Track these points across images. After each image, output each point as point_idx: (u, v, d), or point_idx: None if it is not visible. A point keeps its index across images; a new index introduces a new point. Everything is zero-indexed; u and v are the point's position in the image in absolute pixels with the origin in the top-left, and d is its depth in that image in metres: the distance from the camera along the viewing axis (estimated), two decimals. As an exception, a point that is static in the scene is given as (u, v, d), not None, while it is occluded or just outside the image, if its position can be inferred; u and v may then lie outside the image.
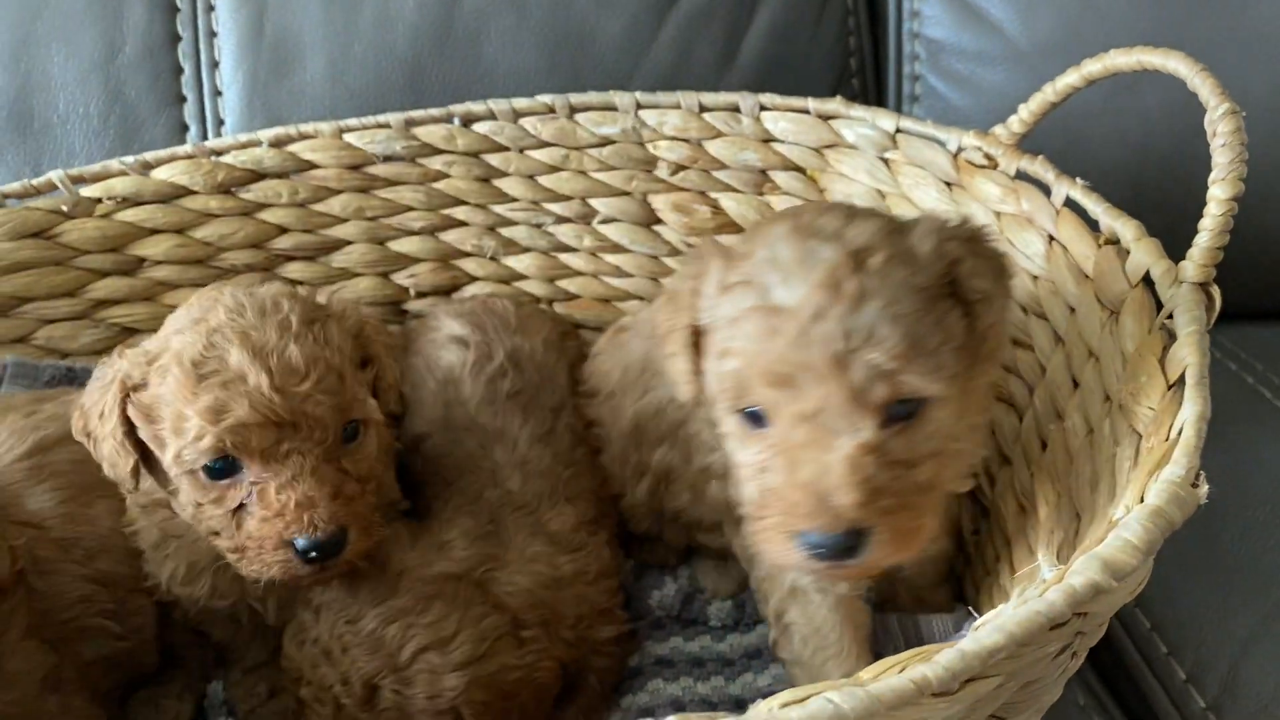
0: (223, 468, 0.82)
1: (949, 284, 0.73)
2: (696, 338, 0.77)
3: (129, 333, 1.20)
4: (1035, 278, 0.97)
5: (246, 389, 0.79)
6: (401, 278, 1.26)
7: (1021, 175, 1.00)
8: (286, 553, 0.82)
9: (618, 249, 1.26)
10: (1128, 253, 0.87)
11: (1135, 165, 1.35)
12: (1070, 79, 0.96)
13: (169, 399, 0.81)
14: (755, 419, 0.73)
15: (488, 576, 0.91)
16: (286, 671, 0.88)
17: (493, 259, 1.27)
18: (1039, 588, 0.59)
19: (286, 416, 0.80)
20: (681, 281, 0.80)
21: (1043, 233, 0.97)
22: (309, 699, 0.85)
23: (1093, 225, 0.93)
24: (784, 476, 0.70)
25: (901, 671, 0.53)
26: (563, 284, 1.28)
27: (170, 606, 0.99)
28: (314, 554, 0.82)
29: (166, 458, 0.83)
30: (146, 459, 0.86)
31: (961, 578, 1.07)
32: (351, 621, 0.85)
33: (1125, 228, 0.87)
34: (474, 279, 1.28)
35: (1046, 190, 0.97)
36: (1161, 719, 1.01)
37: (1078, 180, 0.95)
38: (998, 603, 0.95)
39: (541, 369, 1.10)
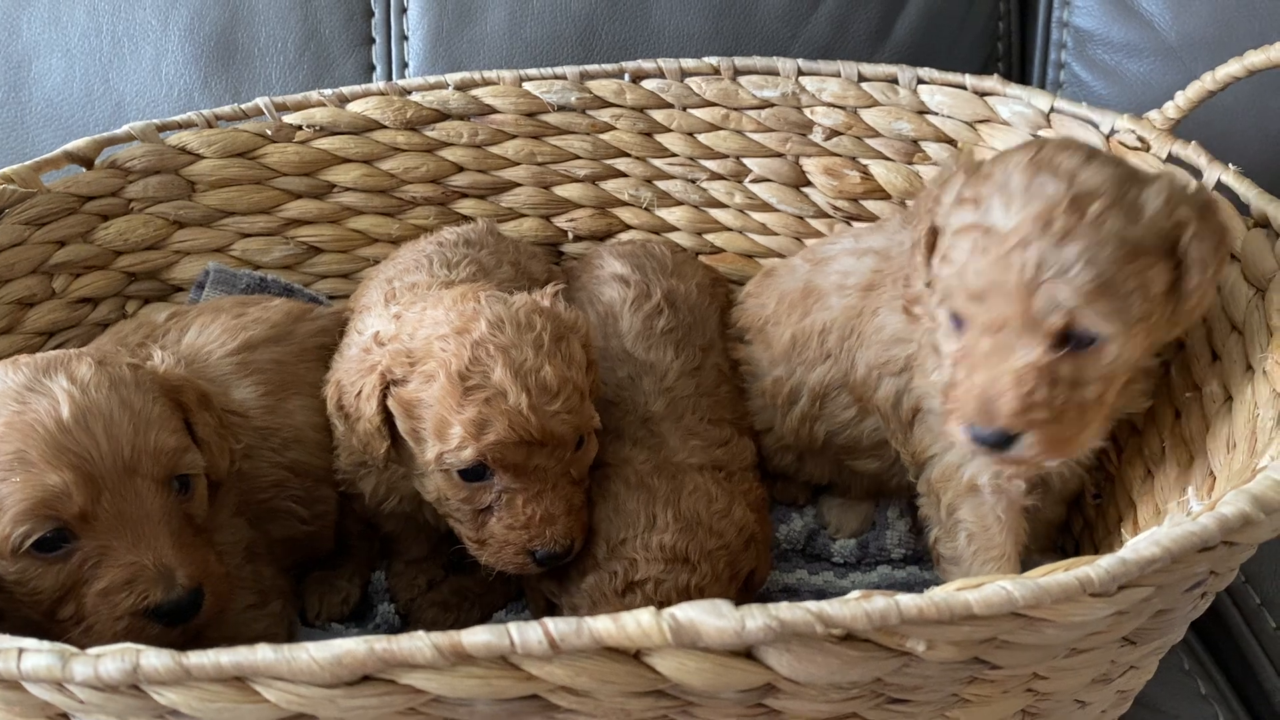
0: (477, 472, 0.91)
1: (1169, 242, 0.81)
2: (933, 237, 0.88)
3: (315, 251, 1.31)
4: (1180, 256, 1.02)
5: (507, 407, 0.87)
6: (562, 221, 1.35)
7: (1172, 159, 1.05)
8: (525, 558, 0.93)
9: (766, 208, 1.33)
10: (1278, 235, 0.91)
11: (1278, 162, 1.38)
12: (1232, 69, 1.00)
13: (433, 403, 0.89)
14: (957, 320, 0.85)
15: (667, 461, 1.01)
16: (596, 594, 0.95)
17: (647, 209, 1.35)
18: (1191, 515, 0.65)
19: (537, 436, 0.88)
20: (930, 186, 0.90)
21: (1191, 214, 1.01)
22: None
23: (1242, 209, 0.97)
24: (964, 377, 0.84)
25: (1067, 570, 0.60)
26: (710, 237, 1.36)
27: (350, 499, 1.09)
28: (548, 561, 0.93)
29: (426, 455, 0.91)
30: (394, 441, 0.94)
31: (1080, 539, 1.13)
32: (648, 529, 0.94)
33: (1277, 211, 0.92)
34: (628, 227, 1.36)
35: (1197, 174, 1.02)
36: (1267, 691, 1.06)
37: (1230, 166, 1.00)
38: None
39: (694, 310, 1.18)
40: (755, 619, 0.56)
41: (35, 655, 0.58)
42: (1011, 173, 0.82)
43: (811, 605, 0.57)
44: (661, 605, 0.88)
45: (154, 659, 0.57)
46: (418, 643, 0.57)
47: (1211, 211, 0.83)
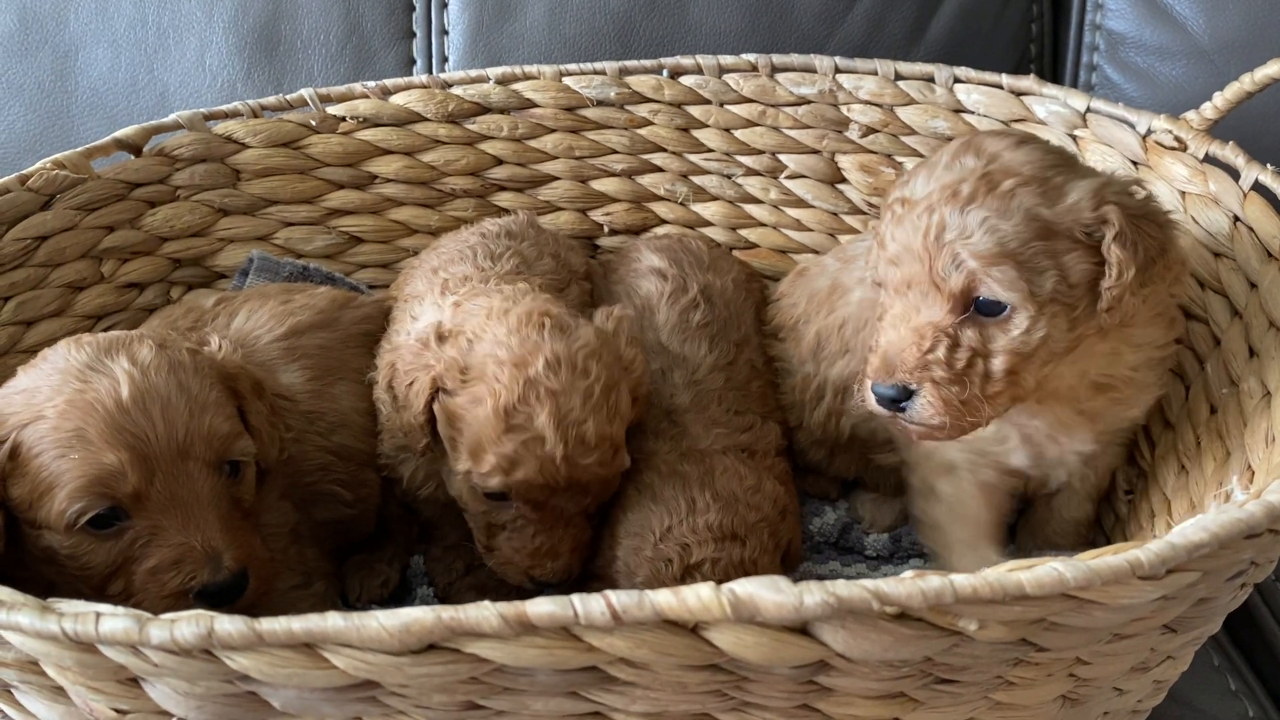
0: (499, 495, 0.94)
1: (1093, 237, 0.82)
2: None
3: (356, 241, 1.33)
4: (1217, 255, 1.03)
5: (542, 454, 0.90)
6: (598, 215, 1.37)
7: (1210, 159, 1.06)
8: (523, 577, 0.97)
9: (801, 204, 1.34)
10: (1316, 235, 0.93)
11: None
12: (1271, 70, 1.01)
13: (475, 425, 0.92)
14: (882, 287, 0.89)
15: (691, 449, 1.03)
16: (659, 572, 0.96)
17: (683, 204, 1.36)
18: (1236, 503, 0.66)
19: (564, 485, 0.91)
20: None
21: (1228, 213, 1.03)
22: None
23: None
24: (877, 338, 0.88)
25: (1117, 554, 0.61)
26: (744, 233, 1.37)
27: (392, 484, 1.11)
28: (543, 587, 0.96)
29: (456, 465, 0.94)
30: (434, 436, 0.97)
31: (1111, 535, 1.14)
32: (691, 513, 0.96)
33: (1316, 211, 0.93)
34: (663, 221, 1.37)
35: (1235, 175, 1.03)
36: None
37: (1268, 166, 1.01)
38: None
39: (730, 305, 1.19)
40: (813, 595, 0.58)
41: (112, 619, 0.59)
42: (944, 153, 0.86)
43: (868, 583, 0.58)
44: (720, 583, 0.92)
45: (228, 624, 0.58)
46: (484, 612, 0.58)
47: (1146, 219, 0.84)
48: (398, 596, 1.14)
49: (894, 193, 0.89)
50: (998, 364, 0.84)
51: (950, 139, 1.24)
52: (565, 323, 0.95)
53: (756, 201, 1.35)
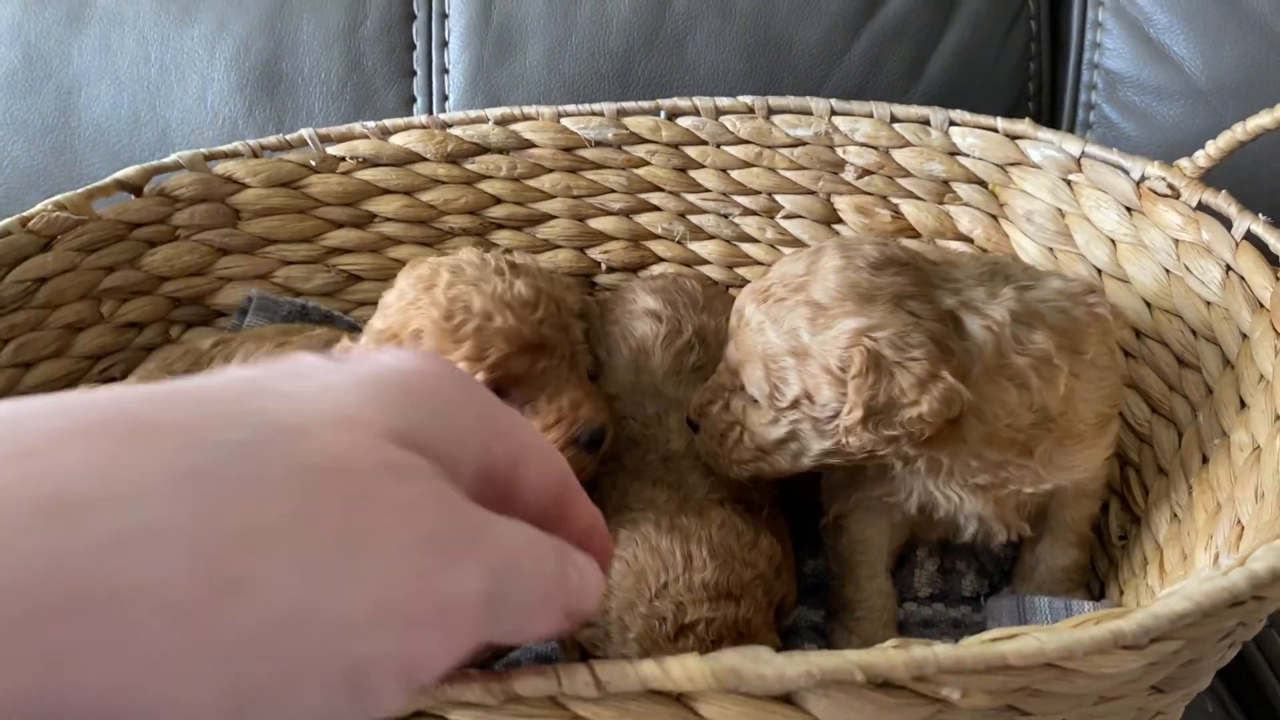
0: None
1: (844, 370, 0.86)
2: None
3: (354, 279, 1.33)
4: (1209, 304, 1.04)
5: (497, 326, 0.92)
6: (595, 253, 1.37)
7: (1203, 207, 1.06)
8: (572, 449, 0.96)
9: (797, 243, 1.35)
10: (1307, 287, 0.93)
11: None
12: (1263, 120, 1.02)
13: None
14: None
15: (689, 499, 1.03)
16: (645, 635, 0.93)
17: (680, 242, 1.37)
18: (1221, 569, 0.66)
19: (534, 340, 0.93)
20: None
21: (1220, 262, 1.03)
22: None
23: (1271, 260, 0.99)
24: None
25: (1098, 624, 0.62)
26: (741, 271, 1.38)
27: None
28: (594, 443, 0.97)
29: None
30: None
31: (1105, 579, 1.14)
32: (688, 569, 0.94)
33: (1307, 264, 0.94)
34: (661, 259, 1.38)
35: (1227, 223, 1.04)
36: (1289, 732, 1.07)
37: (1260, 216, 1.01)
38: (1144, 601, 1.03)
39: (724, 346, 1.19)
40: (795, 667, 0.58)
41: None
42: (815, 247, 0.95)
43: (851, 654, 0.59)
44: (714, 643, 0.92)
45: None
46: (468, 681, 0.59)
47: (905, 372, 0.84)
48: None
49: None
50: (746, 439, 0.94)
51: (945, 182, 1.26)
52: (446, 258, 1.01)
53: (753, 240, 1.36)
